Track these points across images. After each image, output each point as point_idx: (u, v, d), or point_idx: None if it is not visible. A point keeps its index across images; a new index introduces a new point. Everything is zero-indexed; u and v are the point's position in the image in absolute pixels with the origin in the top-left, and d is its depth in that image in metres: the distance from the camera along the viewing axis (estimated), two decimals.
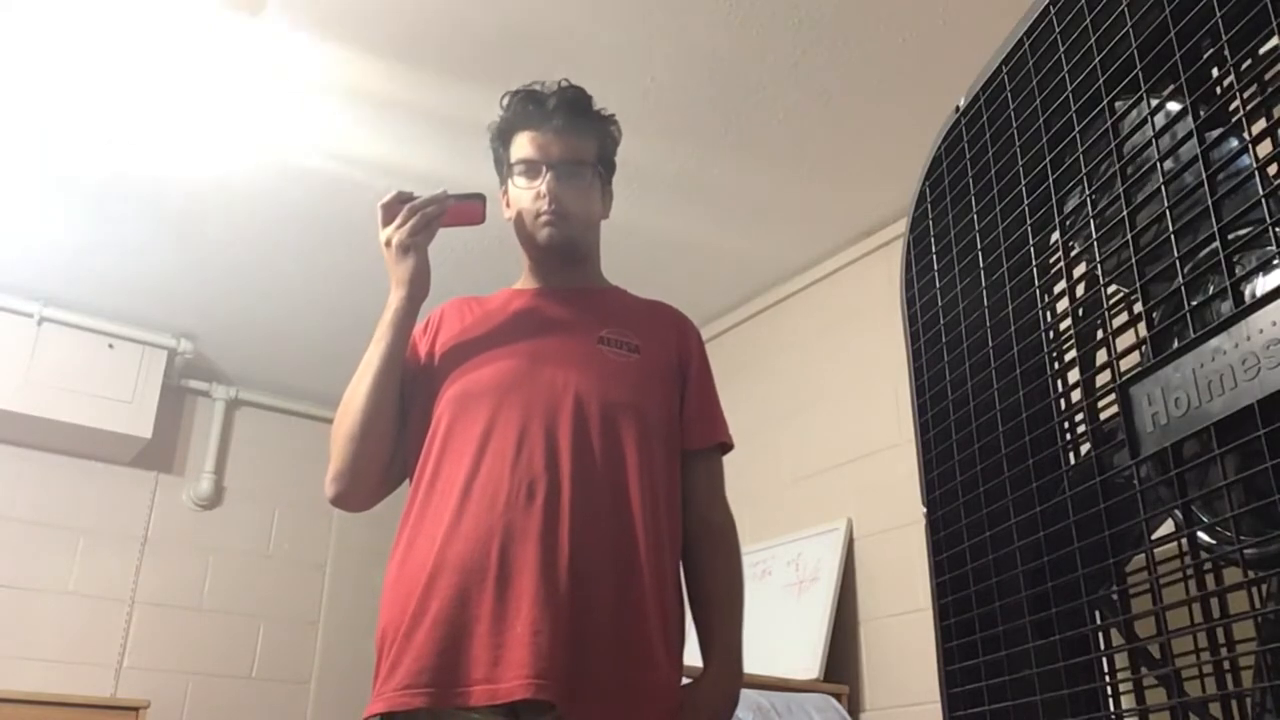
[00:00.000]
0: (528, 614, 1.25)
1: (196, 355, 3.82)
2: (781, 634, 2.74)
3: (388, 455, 1.45)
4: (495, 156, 1.56)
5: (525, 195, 1.49)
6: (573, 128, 1.49)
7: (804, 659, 2.61)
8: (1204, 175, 0.86)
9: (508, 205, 1.53)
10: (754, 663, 2.55)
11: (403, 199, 1.45)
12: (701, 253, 3.12)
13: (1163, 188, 0.91)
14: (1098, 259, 1.00)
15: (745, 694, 2.28)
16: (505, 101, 1.53)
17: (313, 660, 4.01)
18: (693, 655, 1.42)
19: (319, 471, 1.47)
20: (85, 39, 2.32)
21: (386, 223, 1.45)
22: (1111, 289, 0.99)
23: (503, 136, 1.53)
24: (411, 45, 2.32)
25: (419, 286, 1.45)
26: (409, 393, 1.47)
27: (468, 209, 1.47)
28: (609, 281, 1.61)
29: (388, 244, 1.45)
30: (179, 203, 2.92)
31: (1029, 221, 1.09)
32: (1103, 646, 0.97)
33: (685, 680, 1.38)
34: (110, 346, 3.59)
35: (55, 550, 3.65)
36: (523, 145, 1.50)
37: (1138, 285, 0.92)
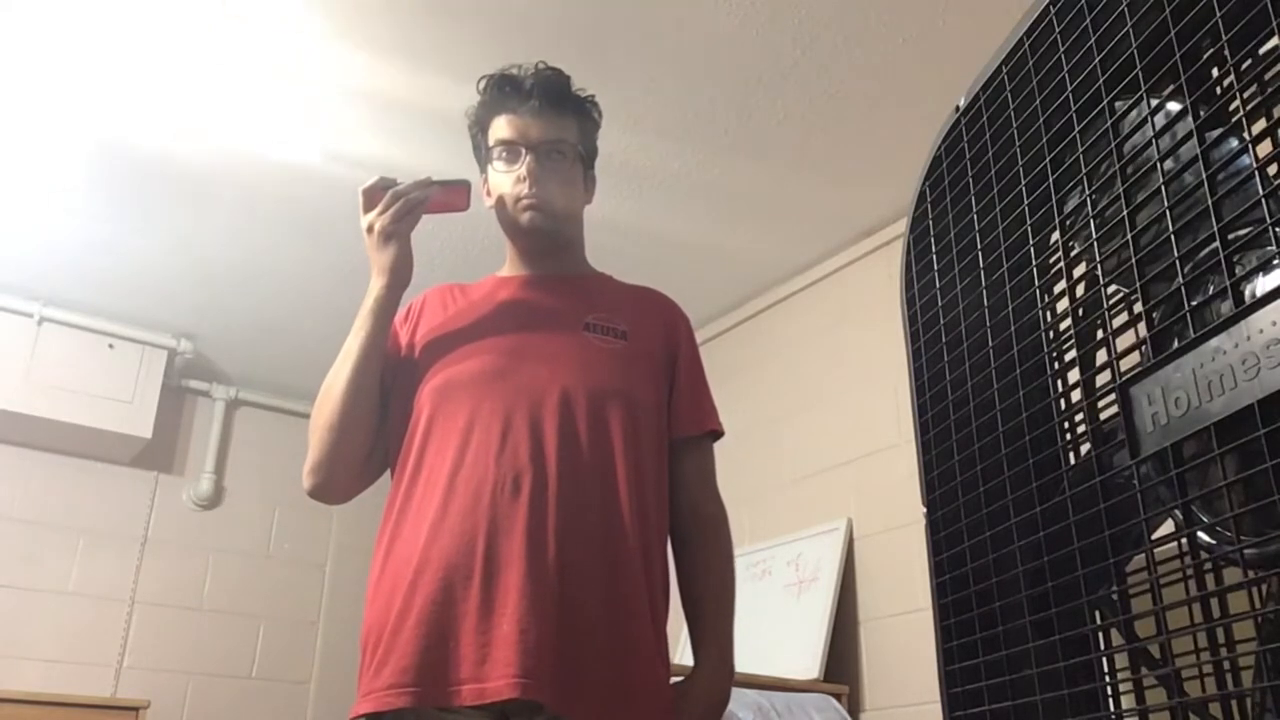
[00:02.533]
0: (514, 611, 1.22)
1: (196, 355, 3.82)
2: (781, 634, 2.74)
3: (367, 446, 1.43)
4: (474, 143, 1.54)
5: (505, 180, 1.46)
6: (551, 109, 1.47)
7: (804, 659, 2.61)
8: (1204, 175, 0.86)
9: (488, 192, 1.51)
10: (754, 663, 2.56)
11: (385, 185, 1.42)
12: (701, 253, 3.12)
13: (1163, 188, 0.91)
14: (1098, 259, 1.00)
15: (745, 694, 2.28)
16: (481, 86, 1.50)
17: (313, 660, 4.02)
18: (683, 653, 1.41)
19: None
20: (86, 39, 2.32)
21: (368, 209, 1.43)
22: (1111, 289, 0.99)
23: (480, 122, 1.51)
24: (413, 45, 2.32)
25: (400, 274, 1.43)
26: (389, 383, 1.45)
27: (452, 195, 1.44)
28: (594, 268, 1.59)
29: (369, 230, 1.43)
30: (180, 202, 2.92)
31: (1029, 221, 1.09)
32: (1103, 646, 0.97)
33: (676, 678, 1.37)
34: (110, 346, 3.60)
35: (55, 550, 3.65)
36: (501, 128, 1.47)
37: (1138, 285, 0.92)
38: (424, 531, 1.30)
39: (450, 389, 1.38)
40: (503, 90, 1.48)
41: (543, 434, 1.33)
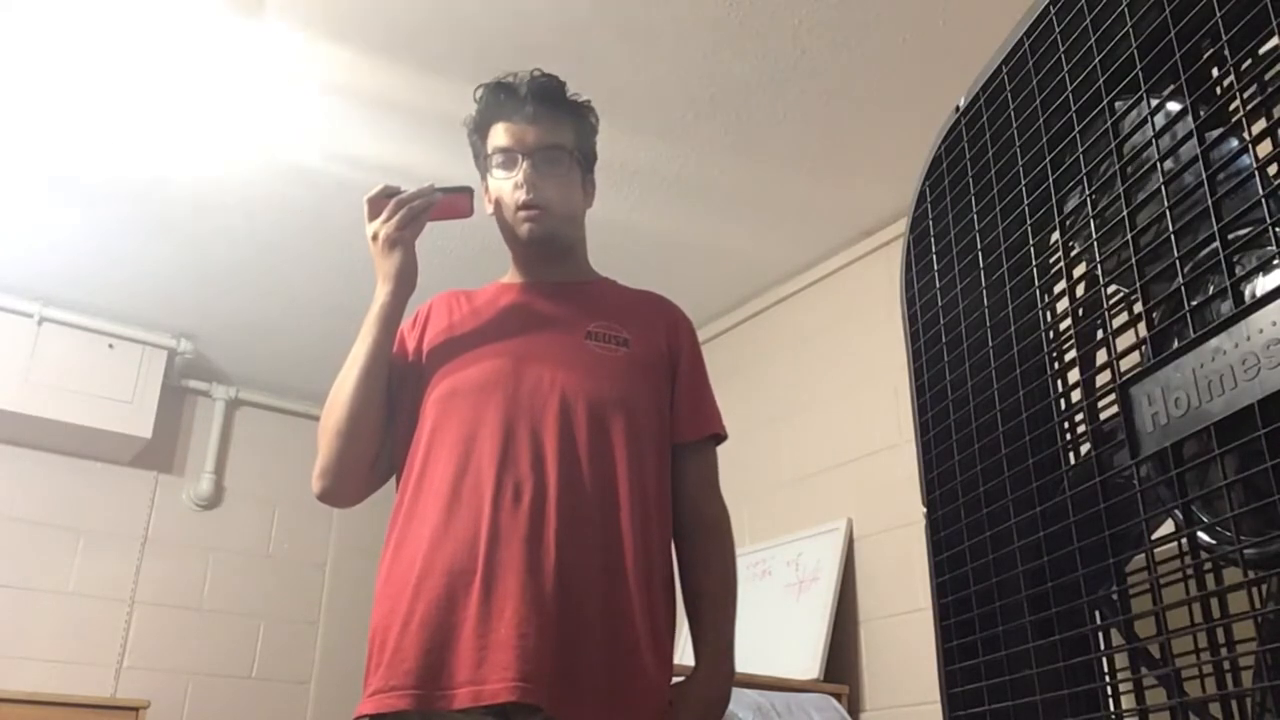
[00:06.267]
0: (513, 616, 1.24)
1: (196, 355, 3.82)
2: (781, 634, 2.74)
3: (374, 451, 1.44)
4: (473, 150, 1.55)
5: (504, 186, 1.48)
6: (547, 114, 1.48)
7: (804, 659, 2.61)
8: (1204, 175, 0.86)
9: (489, 199, 1.52)
10: (754, 663, 2.56)
11: (389, 193, 1.44)
12: (701, 253, 3.12)
13: (1163, 188, 0.91)
14: (1098, 259, 1.00)
15: (745, 694, 2.28)
16: (478, 94, 1.52)
17: (313, 660, 4.02)
18: (684, 653, 1.41)
19: None
20: (85, 39, 2.32)
21: (373, 217, 1.45)
22: (1111, 289, 0.99)
23: (479, 129, 1.52)
24: (412, 45, 2.32)
25: (406, 281, 1.44)
26: (397, 388, 1.46)
27: (455, 202, 1.46)
28: (597, 273, 1.60)
29: (374, 238, 1.44)
30: (179, 203, 2.92)
31: (1029, 221, 1.09)
32: (1103, 646, 0.97)
33: (677, 678, 1.37)
34: (110, 346, 3.59)
35: (55, 550, 3.64)
36: (498, 136, 1.48)
37: (1138, 285, 0.92)
38: (428, 537, 1.32)
39: (453, 397, 1.40)
40: (498, 98, 1.49)
41: (543, 444, 1.35)
